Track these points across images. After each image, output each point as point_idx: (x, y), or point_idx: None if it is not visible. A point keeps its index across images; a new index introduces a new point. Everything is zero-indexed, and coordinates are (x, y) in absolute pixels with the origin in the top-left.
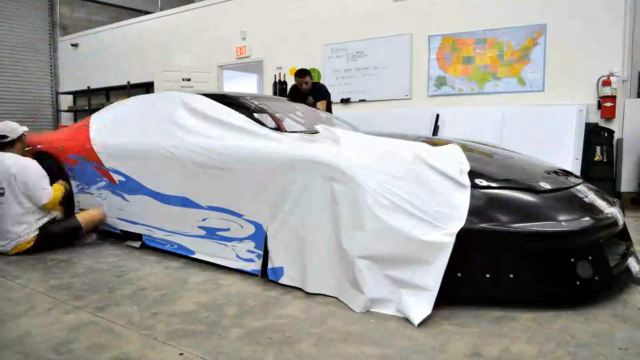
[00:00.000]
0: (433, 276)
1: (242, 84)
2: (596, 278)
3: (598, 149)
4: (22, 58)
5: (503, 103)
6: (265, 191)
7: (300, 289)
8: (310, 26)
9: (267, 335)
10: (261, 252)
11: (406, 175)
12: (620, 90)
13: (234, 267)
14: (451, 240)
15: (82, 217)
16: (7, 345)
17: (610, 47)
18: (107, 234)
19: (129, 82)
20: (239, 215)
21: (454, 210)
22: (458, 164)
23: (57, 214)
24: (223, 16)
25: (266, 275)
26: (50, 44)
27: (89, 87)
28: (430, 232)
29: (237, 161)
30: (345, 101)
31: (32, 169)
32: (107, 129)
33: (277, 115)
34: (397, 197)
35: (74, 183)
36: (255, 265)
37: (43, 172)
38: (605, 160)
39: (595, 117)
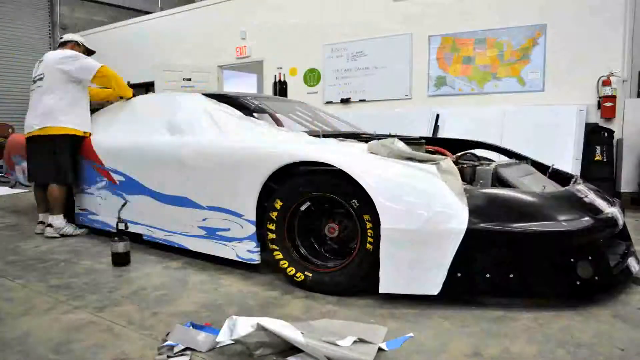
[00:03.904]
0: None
1: (239, 85)
2: (596, 278)
3: (598, 149)
4: (22, 58)
5: (503, 103)
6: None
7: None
8: (310, 26)
9: None
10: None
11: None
12: (620, 90)
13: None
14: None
15: None
16: (7, 345)
17: (610, 47)
18: (107, 234)
19: (129, 82)
20: (239, 215)
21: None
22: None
23: None
24: (223, 16)
25: None
26: (50, 44)
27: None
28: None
29: (236, 160)
30: (345, 101)
31: None
32: (107, 129)
33: (277, 115)
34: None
35: None
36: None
37: None
38: (605, 160)
39: (595, 117)
